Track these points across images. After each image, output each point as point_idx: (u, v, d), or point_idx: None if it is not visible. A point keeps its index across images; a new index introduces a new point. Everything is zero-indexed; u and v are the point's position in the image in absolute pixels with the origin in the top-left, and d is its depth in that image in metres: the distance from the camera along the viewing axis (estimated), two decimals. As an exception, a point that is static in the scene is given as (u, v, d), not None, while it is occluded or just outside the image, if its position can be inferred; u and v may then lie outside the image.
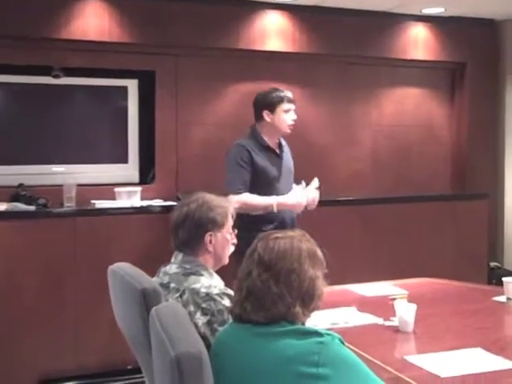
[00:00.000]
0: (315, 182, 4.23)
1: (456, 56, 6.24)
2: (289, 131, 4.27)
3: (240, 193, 4.08)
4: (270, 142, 4.27)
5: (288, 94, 4.26)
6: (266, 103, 4.25)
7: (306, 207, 4.18)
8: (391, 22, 5.94)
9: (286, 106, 4.22)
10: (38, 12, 4.78)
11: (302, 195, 4.11)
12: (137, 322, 2.31)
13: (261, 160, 4.19)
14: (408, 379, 2.27)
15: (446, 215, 5.77)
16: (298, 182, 4.24)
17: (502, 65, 6.40)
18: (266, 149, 4.25)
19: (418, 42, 6.08)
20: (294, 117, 4.26)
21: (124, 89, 5.20)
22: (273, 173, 4.22)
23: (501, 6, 5.72)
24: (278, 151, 4.31)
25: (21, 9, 4.73)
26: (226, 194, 3.99)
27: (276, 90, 4.28)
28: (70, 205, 4.65)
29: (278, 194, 4.16)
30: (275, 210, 4.07)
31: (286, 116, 4.22)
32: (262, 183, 4.16)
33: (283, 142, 4.40)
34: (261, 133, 4.26)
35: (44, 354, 4.45)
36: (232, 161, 4.17)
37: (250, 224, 3.98)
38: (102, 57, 5.09)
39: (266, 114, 4.23)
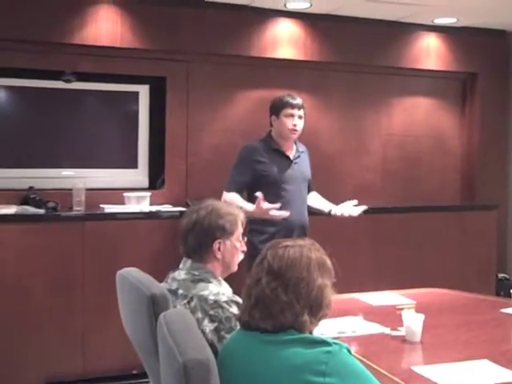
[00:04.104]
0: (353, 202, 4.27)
1: (467, 66, 6.23)
2: (292, 136, 4.32)
3: (228, 191, 4.23)
4: (282, 145, 4.34)
5: (293, 99, 4.30)
6: (272, 108, 4.37)
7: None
8: (403, 31, 5.94)
9: (288, 111, 4.27)
10: (51, 17, 4.80)
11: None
12: (144, 327, 2.31)
13: (264, 161, 4.28)
14: (415, 390, 2.27)
15: (454, 226, 5.76)
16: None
17: (513, 75, 6.41)
18: (275, 151, 4.31)
19: (430, 52, 6.07)
20: (296, 122, 4.27)
21: (135, 94, 5.22)
22: (278, 175, 4.27)
23: (513, 17, 5.72)
24: (290, 155, 4.34)
25: (33, 13, 4.75)
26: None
27: (286, 95, 4.34)
28: (79, 209, 4.66)
29: (286, 197, 4.24)
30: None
31: (288, 121, 4.26)
32: (267, 184, 4.22)
33: (301, 148, 4.44)
34: (273, 136, 4.36)
35: (51, 357, 4.46)
36: (236, 161, 4.35)
37: (255, 227, 4.03)
38: (113, 62, 5.10)
39: (272, 119, 4.37)
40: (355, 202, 4.25)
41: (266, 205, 3.95)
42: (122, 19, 5.02)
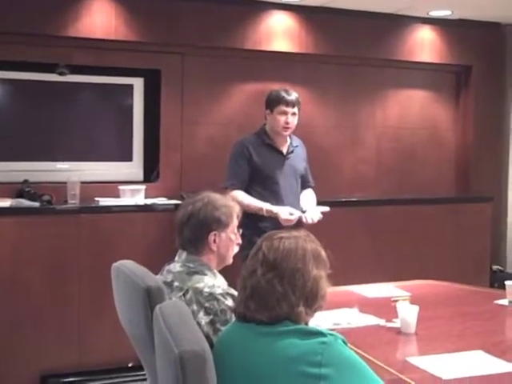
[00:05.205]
0: (324, 208, 4.26)
1: (462, 59, 6.23)
2: (284, 133, 4.30)
3: (234, 188, 4.20)
4: (276, 140, 4.33)
5: (289, 96, 4.26)
6: (267, 103, 4.35)
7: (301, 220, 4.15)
8: (398, 23, 5.93)
9: (281, 108, 4.24)
10: (45, 9, 4.78)
11: (295, 214, 4.10)
12: (140, 319, 2.32)
13: (258, 156, 4.27)
14: (410, 381, 2.28)
15: (449, 217, 5.77)
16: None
17: (508, 68, 6.40)
18: (268, 146, 4.31)
19: (425, 45, 6.07)
20: (289, 120, 4.25)
21: (130, 87, 5.21)
22: (270, 170, 4.27)
23: (507, 9, 5.71)
24: (283, 150, 4.33)
25: (28, 6, 4.74)
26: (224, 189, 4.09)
27: (282, 91, 4.29)
28: (73, 202, 4.65)
29: (278, 192, 4.25)
30: (265, 214, 4.12)
31: (281, 118, 4.24)
32: (260, 179, 4.25)
33: (295, 143, 4.43)
34: (267, 130, 4.35)
35: (46, 350, 4.46)
36: (231, 157, 4.32)
37: (249, 220, 4.02)
38: (108, 55, 5.09)
39: (267, 114, 4.34)
40: (327, 208, 4.24)
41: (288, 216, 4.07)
42: (117, 12, 5.00)
